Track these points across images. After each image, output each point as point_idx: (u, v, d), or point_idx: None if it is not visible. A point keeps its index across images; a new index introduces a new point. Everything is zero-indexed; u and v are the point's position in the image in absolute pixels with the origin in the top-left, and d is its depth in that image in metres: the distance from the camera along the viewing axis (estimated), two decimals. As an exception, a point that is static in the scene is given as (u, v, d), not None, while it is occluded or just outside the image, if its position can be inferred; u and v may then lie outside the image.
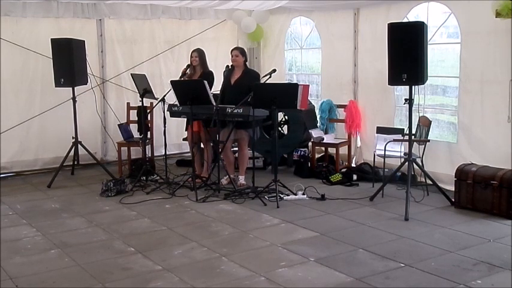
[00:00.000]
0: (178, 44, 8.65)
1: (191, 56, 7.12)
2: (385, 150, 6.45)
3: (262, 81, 6.69)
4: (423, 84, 5.79)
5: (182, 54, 8.36)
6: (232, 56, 6.94)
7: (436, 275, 4.16)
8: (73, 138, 7.26)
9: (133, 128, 7.75)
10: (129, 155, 7.90)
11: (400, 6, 7.05)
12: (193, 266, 4.45)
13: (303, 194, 6.42)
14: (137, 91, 7.17)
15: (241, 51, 6.98)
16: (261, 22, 8.84)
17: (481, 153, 6.20)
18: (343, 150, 7.70)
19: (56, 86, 7.12)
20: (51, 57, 7.14)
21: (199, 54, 7.10)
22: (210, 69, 7.15)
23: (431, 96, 7.47)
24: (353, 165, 7.70)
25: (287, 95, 6.11)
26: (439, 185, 6.13)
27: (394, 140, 6.52)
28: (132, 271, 4.36)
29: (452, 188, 5.96)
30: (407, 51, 5.50)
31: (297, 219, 5.61)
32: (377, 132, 6.99)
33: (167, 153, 7.11)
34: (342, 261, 4.48)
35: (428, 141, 6.35)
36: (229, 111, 6.45)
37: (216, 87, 7.08)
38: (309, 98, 7.20)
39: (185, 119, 7.22)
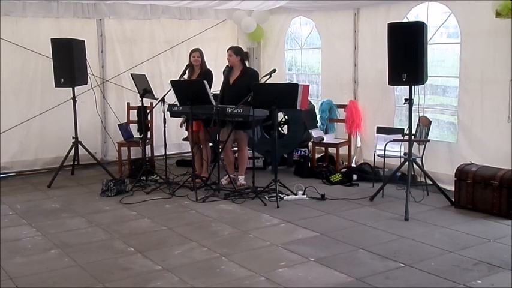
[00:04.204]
0: (178, 44, 8.65)
1: (193, 56, 7.07)
2: (385, 150, 6.44)
3: (262, 81, 6.69)
4: (423, 84, 5.79)
5: (182, 54, 8.34)
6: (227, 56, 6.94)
7: (436, 275, 4.16)
8: (73, 138, 7.25)
9: (134, 128, 7.75)
10: (129, 155, 7.90)
11: (400, 6, 7.05)
12: (193, 266, 4.45)
13: (303, 194, 6.42)
14: (137, 91, 7.17)
15: (235, 50, 6.91)
16: (261, 22, 8.84)
17: (481, 153, 6.19)
18: (343, 150, 7.70)
19: (56, 86, 7.12)
20: (51, 57, 7.15)
21: (201, 54, 7.09)
22: (210, 68, 7.14)
23: (431, 96, 7.46)
24: (353, 165, 7.70)
25: (287, 95, 6.11)
26: (439, 185, 6.12)
27: (394, 140, 6.51)
28: (132, 271, 4.36)
29: (452, 188, 5.96)
30: (407, 51, 5.50)
31: (297, 219, 5.61)
32: (377, 132, 6.99)
33: (167, 153, 7.12)
34: (342, 261, 4.48)
35: (428, 141, 6.35)
36: (230, 111, 6.45)
37: (216, 87, 7.07)
38: (309, 98, 7.20)
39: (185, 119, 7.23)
